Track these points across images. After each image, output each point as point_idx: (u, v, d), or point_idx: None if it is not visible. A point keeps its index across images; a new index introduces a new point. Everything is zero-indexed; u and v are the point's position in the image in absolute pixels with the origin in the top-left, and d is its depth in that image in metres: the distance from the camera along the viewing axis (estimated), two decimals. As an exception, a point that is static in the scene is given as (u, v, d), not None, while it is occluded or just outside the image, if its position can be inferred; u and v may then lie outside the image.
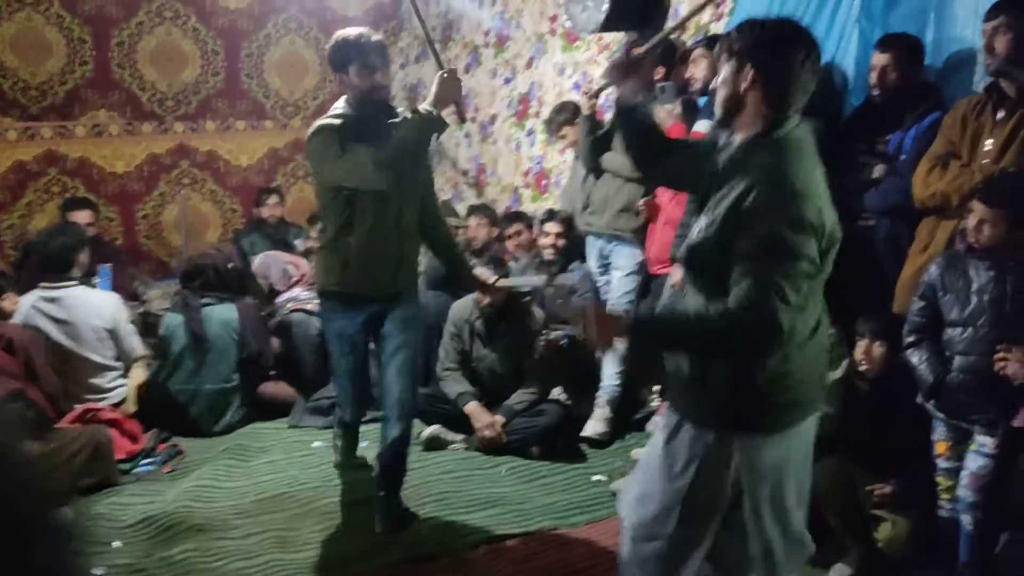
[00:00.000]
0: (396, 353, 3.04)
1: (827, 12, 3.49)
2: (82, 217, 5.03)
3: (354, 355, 3.20)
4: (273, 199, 5.86)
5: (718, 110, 1.97)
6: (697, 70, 3.68)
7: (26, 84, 5.49)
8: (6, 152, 5.52)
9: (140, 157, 5.98)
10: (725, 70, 1.92)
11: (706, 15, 4.16)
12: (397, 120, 2.84)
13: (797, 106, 1.90)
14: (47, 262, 4.00)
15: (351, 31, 2.88)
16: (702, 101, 3.74)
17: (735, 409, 1.95)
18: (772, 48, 1.88)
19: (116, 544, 3.07)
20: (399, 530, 3.14)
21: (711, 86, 2.14)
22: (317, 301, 3.56)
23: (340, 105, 2.95)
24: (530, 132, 5.62)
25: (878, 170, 3.14)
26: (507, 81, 5.76)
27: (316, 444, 3.97)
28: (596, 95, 4.03)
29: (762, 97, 1.87)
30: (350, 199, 2.90)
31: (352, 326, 3.11)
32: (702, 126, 3.48)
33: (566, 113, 4.59)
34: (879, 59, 3.11)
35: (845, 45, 3.44)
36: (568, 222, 4.49)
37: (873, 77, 3.13)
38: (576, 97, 4.57)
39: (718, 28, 4.08)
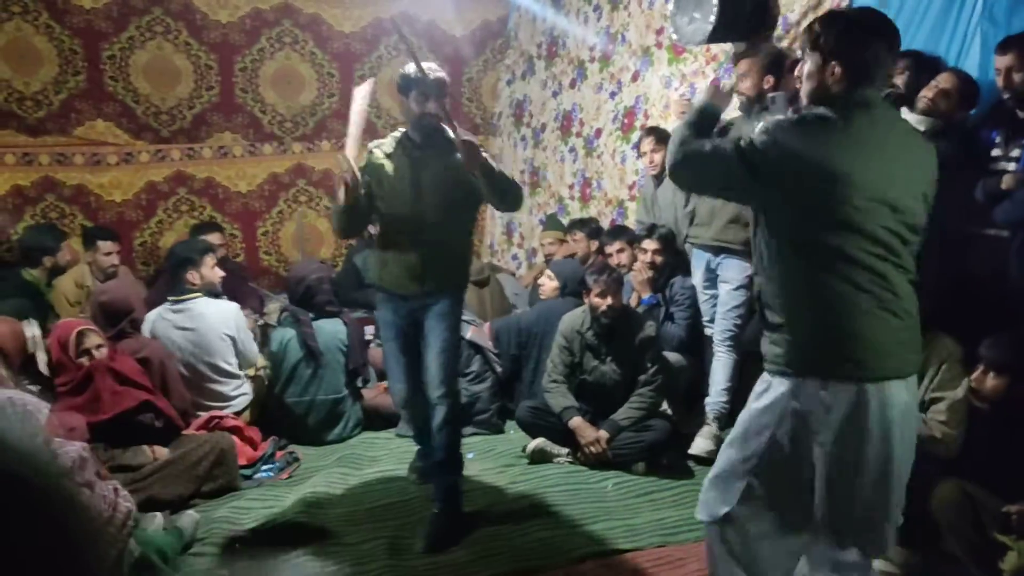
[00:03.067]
0: (433, 340, 3.23)
1: (948, 16, 3.36)
2: (212, 240, 5.31)
3: (399, 340, 3.36)
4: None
5: (805, 100, 2.09)
6: (809, 79, 3.60)
7: (157, 109, 5.85)
8: (139, 173, 5.88)
9: (261, 177, 6.28)
10: (810, 63, 2.05)
11: (818, 22, 4.06)
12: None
13: (877, 85, 2.03)
14: (172, 276, 4.25)
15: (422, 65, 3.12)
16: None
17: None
18: (856, 41, 1.99)
19: (237, 547, 3.22)
20: (441, 551, 3.15)
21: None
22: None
23: (400, 128, 3.31)
24: (635, 145, 5.59)
25: (1007, 180, 2.99)
26: (612, 95, 5.76)
27: (425, 454, 4.05)
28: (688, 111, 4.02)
29: (847, 86, 2.00)
30: (382, 207, 3.24)
31: (396, 316, 3.34)
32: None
33: (651, 135, 4.59)
34: (1000, 61, 2.99)
35: (967, 50, 3.31)
36: (667, 238, 4.43)
37: (999, 80, 3.00)
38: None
39: (831, 35, 3.97)
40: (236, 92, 6.06)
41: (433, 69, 3.08)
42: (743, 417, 2.24)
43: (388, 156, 3.23)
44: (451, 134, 2.97)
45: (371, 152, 3.30)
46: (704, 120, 2.27)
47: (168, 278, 4.47)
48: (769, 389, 2.16)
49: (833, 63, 2.01)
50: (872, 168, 1.97)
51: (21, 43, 5.40)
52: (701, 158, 2.12)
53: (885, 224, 1.99)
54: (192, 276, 4.21)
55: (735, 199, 2.65)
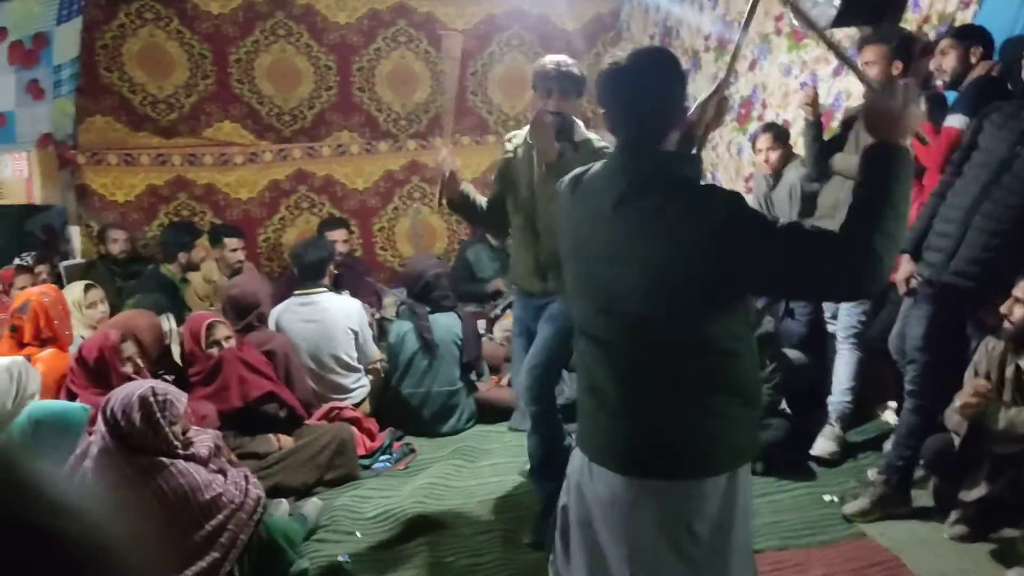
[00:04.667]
0: (537, 338, 3.17)
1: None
2: (338, 235, 5.49)
3: (524, 337, 3.32)
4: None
5: None
6: (946, 61, 3.39)
7: (280, 110, 6.06)
8: (263, 172, 6.11)
9: (377, 174, 6.42)
10: None
11: (951, 3, 3.84)
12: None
13: (629, 133, 1.85)
14: (303, 271, 4.40)
15: (547, 59, 3.06)
16: (951, 96, 3.47)
17: None
18: (603, 87, 1.88)
19: (358, 535, 3.31)
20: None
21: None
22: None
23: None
24: (752, 136, 5.44)
25: None
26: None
27: (538, 449, 4.06)
28: (814, 102, 3.90)
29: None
30: (512, 205, 3.21)
31: (524, 312, 3.32)
32: (955, 122, 3.21)
33: (768, 132, 4.42)
34: None
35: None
36: None
37: None
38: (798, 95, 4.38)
39: (965, 17, 3.76)
40: (353, 91, 6.22)
41: (564, 63, 3.03)
42: None
43: (516, 150, 3.21)
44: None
45: (506, 144, 3.30)
46: None
47: (293, 274, 4.65)
48: None
49: None
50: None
51: (154, 49, 5.69)
52: None
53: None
54: (331, 271, 4.44)
55: None
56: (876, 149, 1.62)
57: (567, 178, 1.99)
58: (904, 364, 3.38)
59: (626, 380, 1.80)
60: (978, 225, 2.97)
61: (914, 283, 3.30)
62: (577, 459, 1.95)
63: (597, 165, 1.93)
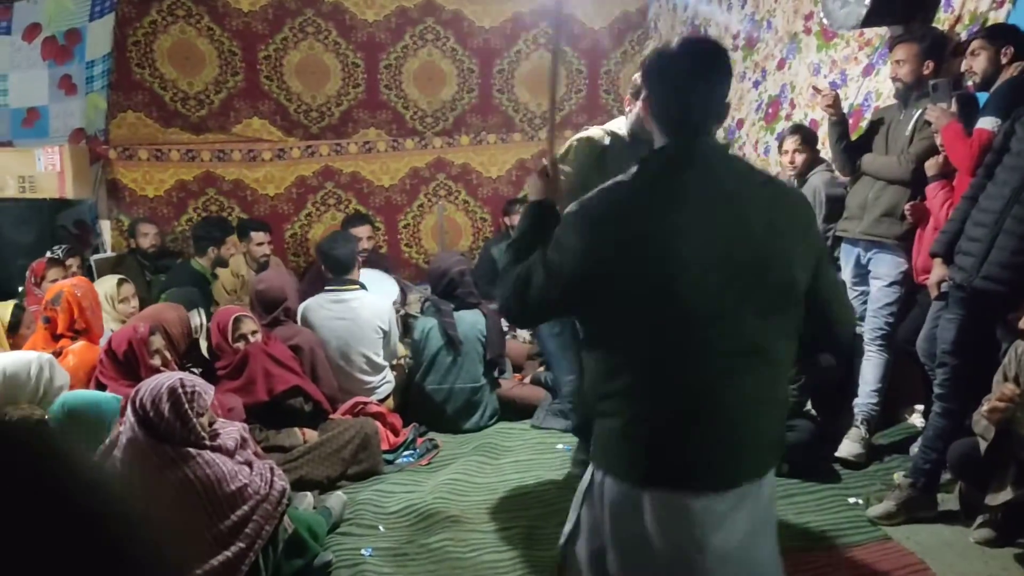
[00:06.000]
0: None
1: None
2: (362, 232, 5.53)
3: (567, 332, 3.29)
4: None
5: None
6: (976, 62, 3.35)
7: (308, 107, 6.10)
8: (290, 168, 6.16)
9: (403, 171, 6.45)
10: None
11: (984, 2, 3.80)
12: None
13: (696, 126, 1.77)
14: (334, 267, 4.44)
15: None
16: (982, 97, 3.42)
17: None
18: (656, 72, 1.79)
19: (380, 528, 3.33)
20: None
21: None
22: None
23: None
24: (780, 136, 5.41)
25: None
26: (756, 84, 5.59)
27: (560, 447, 4.07)
28: (835, 104, 3.87)
29: (657, 124, 1.79)
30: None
31: None
32: (987, 123, 3.17)
33: (797, 133, 4.38)
34: None
35: None
36: None
37: None
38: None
39: (998, 16, 3.71)
40: (381, 89, 6.25)
41: None
42: None
43: (612, 142, 3.19)
44: None
45: (586, 140, 3.25)
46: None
47: (319, 270, 4.69)
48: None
49: (645, 93, 1.84)
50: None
51: (185, 45, 5.75)
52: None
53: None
54: (359, 267, 4.48)
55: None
56: None
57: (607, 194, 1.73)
58: (933, 367, 3.35)
59: (751, 381, 1.66)
60: (1009, 229, 2.93)
61: (945, 287, 3.27)
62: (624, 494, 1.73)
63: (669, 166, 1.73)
